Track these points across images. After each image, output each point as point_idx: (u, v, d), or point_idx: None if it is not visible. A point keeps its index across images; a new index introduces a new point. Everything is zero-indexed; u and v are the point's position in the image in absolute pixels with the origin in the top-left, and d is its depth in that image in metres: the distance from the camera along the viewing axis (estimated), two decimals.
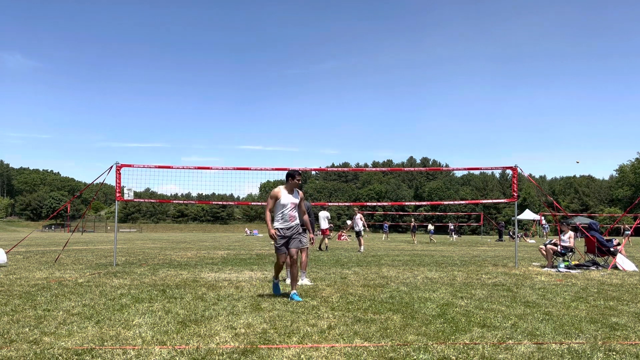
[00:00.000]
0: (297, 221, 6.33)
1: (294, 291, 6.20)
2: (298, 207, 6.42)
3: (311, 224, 8.82)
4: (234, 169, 12.06)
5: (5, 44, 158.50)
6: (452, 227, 39.39)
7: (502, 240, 34.65)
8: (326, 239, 18.60)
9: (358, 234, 18.39)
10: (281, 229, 6.23)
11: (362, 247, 17.93)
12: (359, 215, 18.59)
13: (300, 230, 6.35)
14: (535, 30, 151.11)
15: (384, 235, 43.86)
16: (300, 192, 6.37)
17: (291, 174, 6.33)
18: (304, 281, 7.77)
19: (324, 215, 18.09)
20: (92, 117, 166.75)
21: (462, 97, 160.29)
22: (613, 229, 41.11)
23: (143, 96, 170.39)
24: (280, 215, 6.23)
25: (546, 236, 40.63)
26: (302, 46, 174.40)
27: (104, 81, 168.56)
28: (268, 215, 6.26)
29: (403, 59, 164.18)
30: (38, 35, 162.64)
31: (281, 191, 6.23)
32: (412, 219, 38.83)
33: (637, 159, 70.10)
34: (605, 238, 11.62)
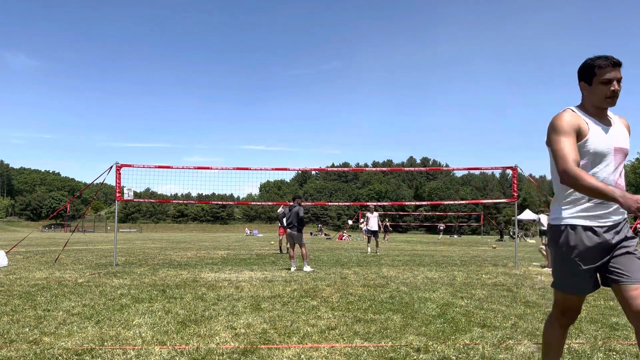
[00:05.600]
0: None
1: None
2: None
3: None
4: (234, 168, 12.08)
5: (9, 44, 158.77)
6: (441, 228, 46.43)
7: (502, 240, 34.68)
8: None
9: (375, 233, 17.33)
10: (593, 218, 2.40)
11: (377, 248, 17.26)
12: (375, 214, 17.61)
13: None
14: (536, 31, 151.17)
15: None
16: None
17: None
18: (306, 268, 9.89)
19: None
20: (93, 117, 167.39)
21: (462, 97, 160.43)
22: None
23: (145, 96, 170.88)
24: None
25: None
26: (304, 47, 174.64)
27: (105, 81, 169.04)
28: (579, 171, 2.24)
29: (403, 60, 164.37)
30: (41, 36, 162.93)
31: (583, 119, 2.48)
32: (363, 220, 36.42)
33: (637, 159, 69.98)
34: None
